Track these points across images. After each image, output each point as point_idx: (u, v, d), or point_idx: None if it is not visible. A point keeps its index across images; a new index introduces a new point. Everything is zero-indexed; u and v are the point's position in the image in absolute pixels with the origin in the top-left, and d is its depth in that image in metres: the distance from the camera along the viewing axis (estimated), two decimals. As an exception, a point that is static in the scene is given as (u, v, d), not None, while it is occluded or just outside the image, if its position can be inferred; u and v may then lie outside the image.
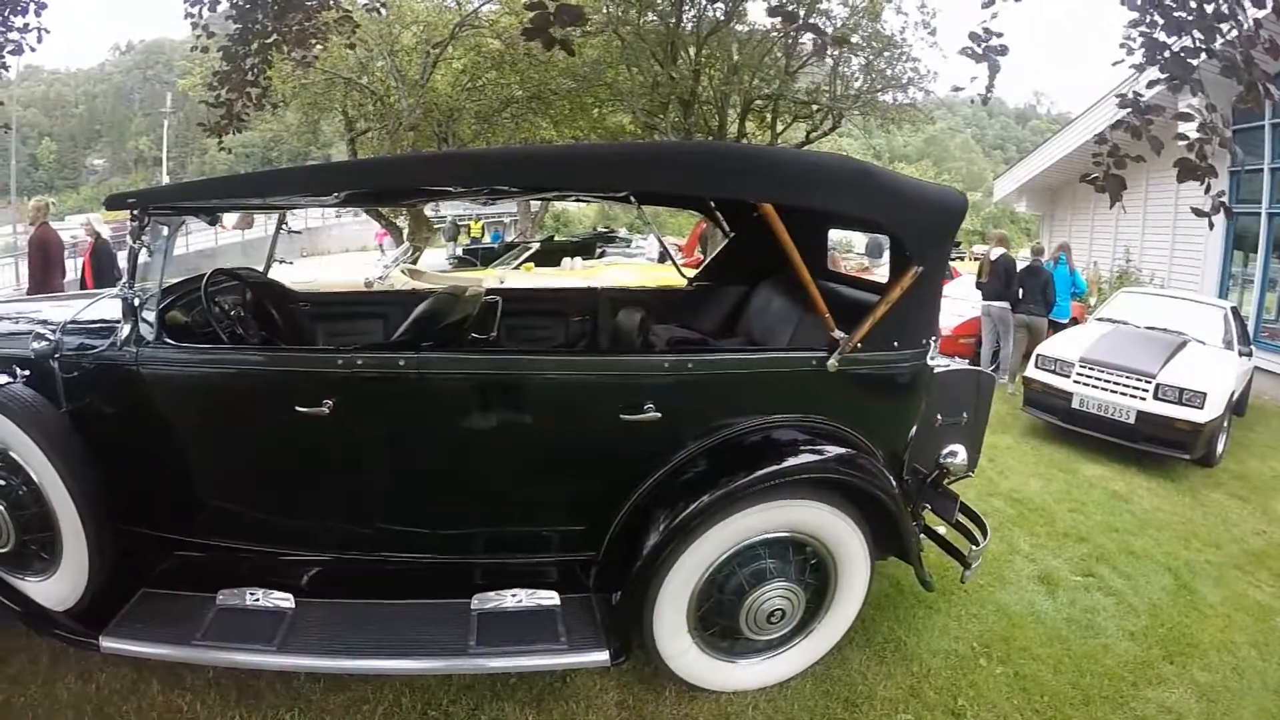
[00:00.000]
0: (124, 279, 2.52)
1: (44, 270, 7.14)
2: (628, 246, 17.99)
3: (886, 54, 11.31)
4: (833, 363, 2.47)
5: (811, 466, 2.46)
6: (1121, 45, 2.58)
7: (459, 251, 18.39)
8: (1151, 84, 2.76)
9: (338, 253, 27.33)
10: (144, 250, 2.51)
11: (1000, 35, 2.79)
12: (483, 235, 24.24)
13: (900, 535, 2.62)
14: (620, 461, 2.53)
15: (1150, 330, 6.69)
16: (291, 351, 2.93)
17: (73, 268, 12.46)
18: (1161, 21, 2.49)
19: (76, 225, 14.69)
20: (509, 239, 21.50)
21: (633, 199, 3.94)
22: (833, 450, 2.51)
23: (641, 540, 2.42)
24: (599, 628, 2.42)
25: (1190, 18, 2.43)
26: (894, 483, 2.60)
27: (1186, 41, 2.49)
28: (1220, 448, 5.94)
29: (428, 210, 14.41)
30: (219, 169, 47.41)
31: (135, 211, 2.46)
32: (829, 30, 11.90)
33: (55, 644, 2.46)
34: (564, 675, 2.64)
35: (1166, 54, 2.48)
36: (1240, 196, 9.75)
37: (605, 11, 12.09)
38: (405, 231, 13.97)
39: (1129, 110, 2.53)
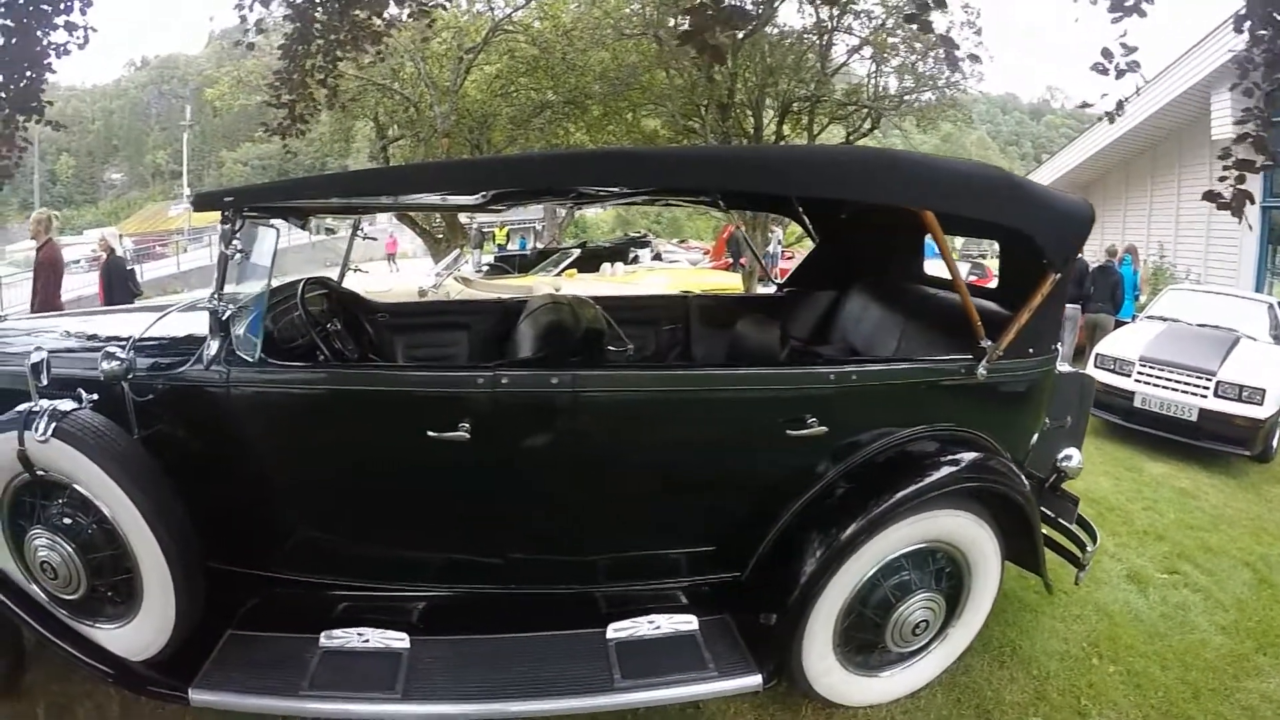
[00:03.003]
0: (212, 289, 2.27)
1: (55, 286, 6.88)
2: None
3: (932, 54, 11.27)
4: (981, 371, 2.46)
5: (964, 476, 2.42)
6: (1232, 62, 2.59)
7: (489, 259, 18.33)
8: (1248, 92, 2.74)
9: (361, 262, 27.24)
10: (238, 256, 2.26)
11: (1135, 49, 2.77)
12: (508, 242, 24.20)
13: (1032, 538, 2.63)
14: (776, 477, 2.44)
15: (1203, 327, 6.70)
16: (423, 370, 2.77)
17: (91, 282, 12.57)
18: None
19: (95, 240, 14.78)
20: (538, 246, 21.26)
21: (721, 203, 3.96)
22: (977, 458, 2.48)
23: (799, 560, 2.31)
24: (743, 650, 2.31)
25: None
26: (1028, 487, 2.60)
27: None
28: (1275, 442, 5.93)
29: (462, 218, 14.41)
30: (235, 180, 47.54)
31: (228, 213, 2.21)
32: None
33: (127, 692, 2.22)
34: (696, 700, 2.47)
35: None
36: (1274, 191, 9.76)
37: (643, 14, 12.14)
38: (443, 241, 13.94)
39: (1256, 122, 2.55)
